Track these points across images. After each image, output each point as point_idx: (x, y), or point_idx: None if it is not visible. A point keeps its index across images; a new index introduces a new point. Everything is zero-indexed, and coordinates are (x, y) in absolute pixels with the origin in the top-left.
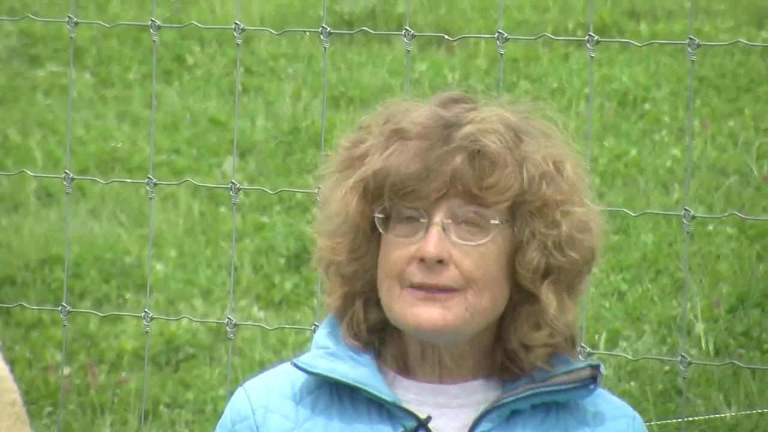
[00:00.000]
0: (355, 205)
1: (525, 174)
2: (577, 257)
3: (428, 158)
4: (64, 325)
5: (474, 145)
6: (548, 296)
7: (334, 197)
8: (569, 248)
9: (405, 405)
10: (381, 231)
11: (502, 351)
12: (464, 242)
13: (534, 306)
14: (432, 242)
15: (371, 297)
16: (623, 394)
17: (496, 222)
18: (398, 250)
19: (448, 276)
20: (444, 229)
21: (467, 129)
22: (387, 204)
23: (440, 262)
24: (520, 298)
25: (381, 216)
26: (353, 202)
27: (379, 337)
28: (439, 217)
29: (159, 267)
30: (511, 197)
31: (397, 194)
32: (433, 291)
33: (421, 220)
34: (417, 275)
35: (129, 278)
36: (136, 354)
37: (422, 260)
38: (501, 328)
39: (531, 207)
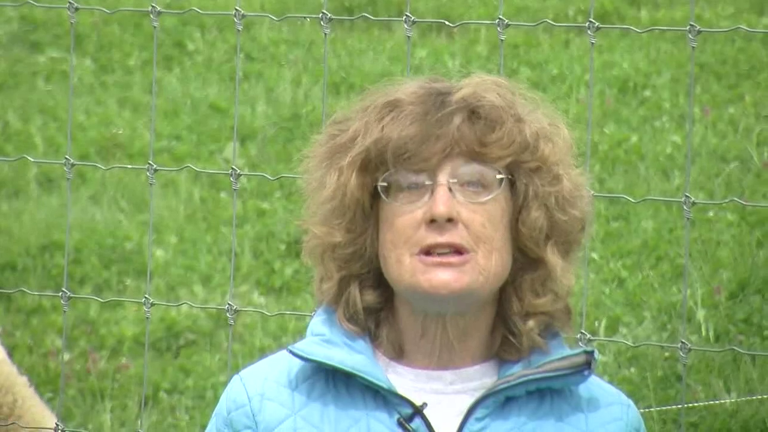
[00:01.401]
0: (355, 179)
1: (527, 130)
2: (579, 215)
3: (426, 122)
4: (65, 311)
5: (474, 103)
6: (553, 258)
7: (328, 182)
8: (570, 206)
9: (401, 391)
10: (384, 198)
11: (502, 327)
12: (470, 201)
13: (537, 271)
14: (441, 201)
15: (367, 279)
16: (623, 381)
17: (501, 176)
18: (404, 216)
19: (459, 235)
20: (450, 190)
21: (463, 92)
22: (391, 170)
23: (450, 221)
24: (523, 263)
25: (384, 185)
26: (352, 176)
27: (374, 320)
28: (444, 178)
29: (159, 253)
30: (514, 152)
31: (399, 159)
32: (445, 255)
33: (426, 183)
34: (428, 237)
35: (129, 264)
36: (137, 340)
37: (432, 221)
38: (502, 299)
39: (531, 166)
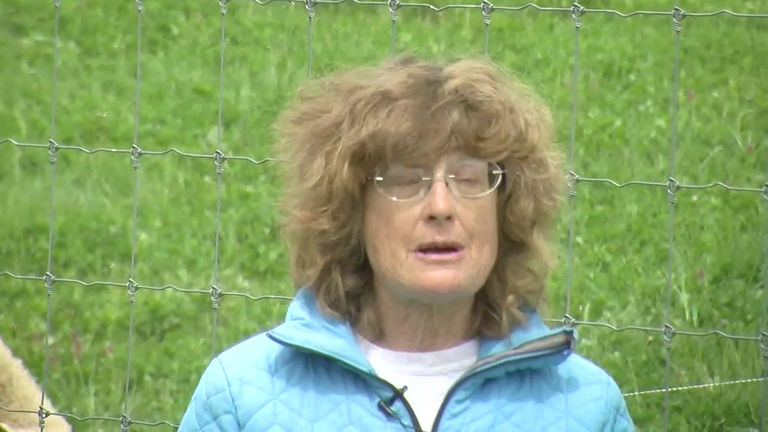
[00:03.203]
0: (347, 171)
1: (520, 121)
2: (561, 198)
3: (423, 116)
4: (49, 295)
5: (470, 97)
6: (538, 242)
7: (314, 168)
8: (555, 192)
9: (381, 374)
10: (381, 192)
11: (483, 304)
12: (466, 197)
13: (520, 254)
14: (440, 198)
15: (349, 264)
16: (607, 365)
17: (498, 172)
18: (401, 211)
19: (456, 232)
20: (447, 185)
21: (454, 83)
22: (390, 165)
23: (448, 218)
24: (507, 248)
25: (380, 179)
26: (344, 168)
27: (355, 304)
28: (441, 174)
29: (144, 236)
30: (509, 146)
31: (399, 154)
32: (443, 253)
33: (423, 179)
34: (427, 235)
35: (114, 248)
36: (121, 324)
37: (430, 218)
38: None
39: (521, 155)
